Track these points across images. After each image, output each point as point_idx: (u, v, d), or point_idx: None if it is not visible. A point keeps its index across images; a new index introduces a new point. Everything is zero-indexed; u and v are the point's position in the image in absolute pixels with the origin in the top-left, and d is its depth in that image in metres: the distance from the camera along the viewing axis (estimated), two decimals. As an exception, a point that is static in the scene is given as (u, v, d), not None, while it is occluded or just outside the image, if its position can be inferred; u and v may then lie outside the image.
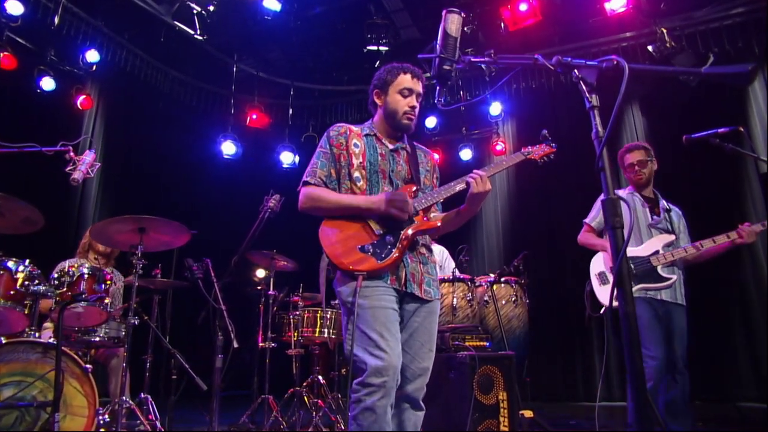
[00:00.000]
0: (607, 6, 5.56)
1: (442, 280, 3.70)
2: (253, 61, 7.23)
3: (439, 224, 2.04)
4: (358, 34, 6.36)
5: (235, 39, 6.71)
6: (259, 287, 4.19)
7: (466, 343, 3.15)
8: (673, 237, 3.10)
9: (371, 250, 1.91)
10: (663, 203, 3.23)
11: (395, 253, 1.91)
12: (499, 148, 6.77)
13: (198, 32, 6.20)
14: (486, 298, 3.85)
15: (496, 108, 6.68)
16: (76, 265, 2.94)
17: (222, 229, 6.90)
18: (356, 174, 2.04)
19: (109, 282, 2.97)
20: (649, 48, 5.73)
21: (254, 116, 7.24)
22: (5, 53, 5.20)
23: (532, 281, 4.34)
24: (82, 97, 5.93)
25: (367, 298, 1.86)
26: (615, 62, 1.20)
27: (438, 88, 1.62)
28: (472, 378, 2.86)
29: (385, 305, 1.88)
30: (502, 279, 3.92)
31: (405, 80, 2.08)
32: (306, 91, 7.54)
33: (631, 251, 3.09)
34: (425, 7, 6.07)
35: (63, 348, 2.42)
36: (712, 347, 5.18)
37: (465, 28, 6.31)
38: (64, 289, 2.76)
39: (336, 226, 1.98)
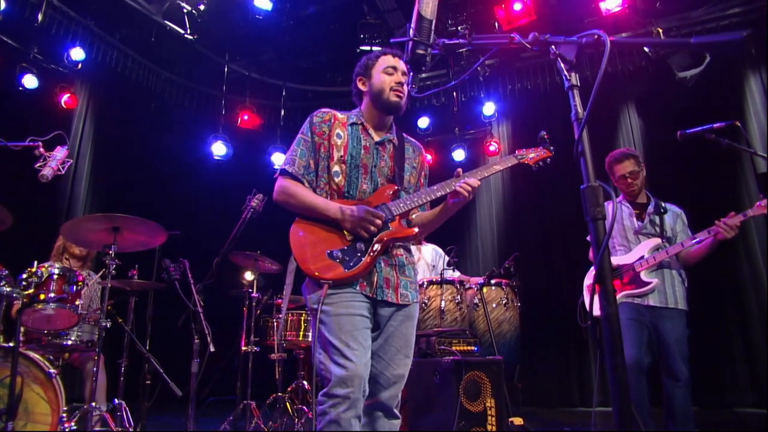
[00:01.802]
0: (603, 6, 5.51)
1: (431, 283, 3.59)
2: (245, 61, 7.15)
3: (415, 231, 1.93)
4: (351, 35, 6.28)
5: (226, 39, 6.63)
6: (244, 290, 4.09)
7: (453, 348, 3.03)
8: (659, 240, 3.02)
9: (340, 257, 1.79)
10: (653, 206, 3.13)
11: (365, 261, 1.79)
12: (492, 148, 6.67)
13: (188, 32, 6.11)
14: (476, 301, 3.73)
15: (489, 108, 6.59)
16: (46, 266, 2.82)
17: (211, 231, 6.77)
18: (335, 168, 1.92)
19: (80, 283, 2.85)
20: (645, 48, 5.67)
21: (245, 117, 7.15)
22: (-15, 50, 5.12)
23: (525, 284, 4.23)
24: (66, 96, 5.82)
25: (333, 304, 1.75)
26: (596, 36, 1.10)
27: (411, 74, 1.52)
28: (458, 384, 2.74)
29: (353, 312, 1.76)
30: (493, 281, 3.80)
31: (387, 60, 2.04)
32: (298, 92, 7.46)
33: (620, 259, 3.09)
34: (419, 7, 5.98)
35: (26, 352, 2.30)
36: (709, 352, 5.07)
37: (459, 28, 6.23)
38: (31, 291, 2.64)
39: (307, 227, 1.87)
